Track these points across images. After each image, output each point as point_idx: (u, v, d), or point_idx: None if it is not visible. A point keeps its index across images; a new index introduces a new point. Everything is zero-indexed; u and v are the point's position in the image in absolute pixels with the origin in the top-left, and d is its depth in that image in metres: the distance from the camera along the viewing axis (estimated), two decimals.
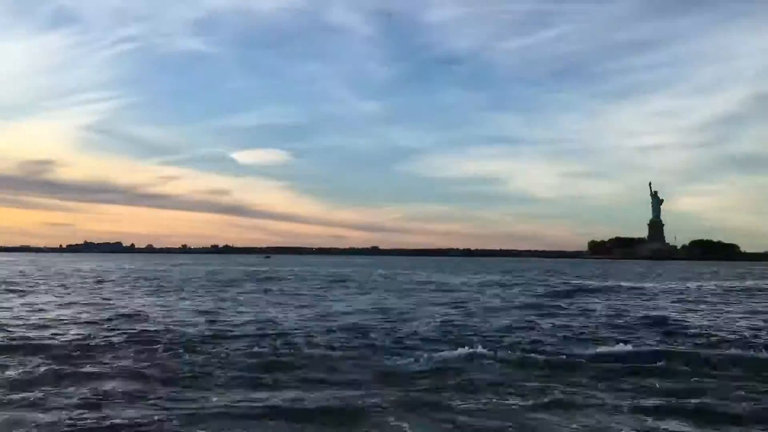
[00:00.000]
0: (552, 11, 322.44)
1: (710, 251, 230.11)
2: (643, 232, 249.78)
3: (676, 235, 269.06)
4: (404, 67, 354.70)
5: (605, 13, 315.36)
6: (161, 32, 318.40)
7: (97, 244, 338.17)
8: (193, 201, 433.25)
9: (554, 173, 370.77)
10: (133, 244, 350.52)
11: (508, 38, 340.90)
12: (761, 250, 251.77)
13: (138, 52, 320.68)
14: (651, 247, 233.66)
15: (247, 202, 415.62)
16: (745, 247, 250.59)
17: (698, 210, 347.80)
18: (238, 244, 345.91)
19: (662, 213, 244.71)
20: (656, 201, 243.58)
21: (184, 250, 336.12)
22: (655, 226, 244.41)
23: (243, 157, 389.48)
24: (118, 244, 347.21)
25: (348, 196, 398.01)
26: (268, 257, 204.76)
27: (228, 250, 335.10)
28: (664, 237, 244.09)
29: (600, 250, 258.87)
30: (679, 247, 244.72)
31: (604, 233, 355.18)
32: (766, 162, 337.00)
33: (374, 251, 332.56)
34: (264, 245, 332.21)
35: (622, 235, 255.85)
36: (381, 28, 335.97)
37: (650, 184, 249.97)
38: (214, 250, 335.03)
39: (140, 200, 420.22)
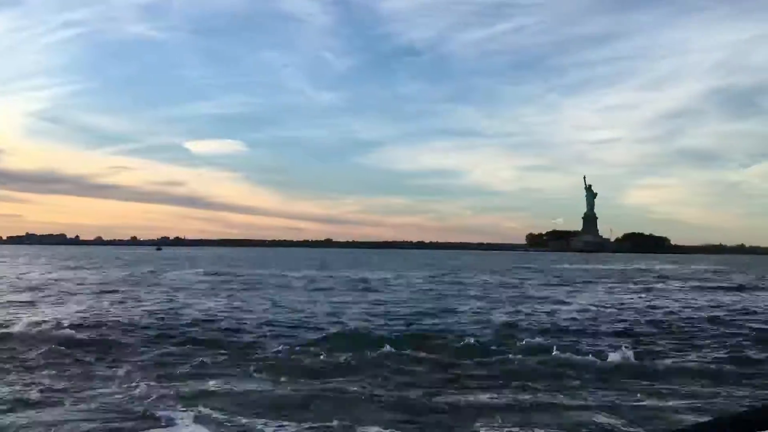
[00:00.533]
0: (511, 3, 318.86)
1: (641, 244, 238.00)
2: (605, 225, 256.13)
3: (612, 228, 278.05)
4: (363, 57, 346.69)
5: (564, 7, 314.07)
6: (108, 16, 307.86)
7: (40, 236, 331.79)
8: (146, 192, 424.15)
9: (512, 166, 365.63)
10: (78, 236, 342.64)
11: (467, 30, 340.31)
12: (701, 243, 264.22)
13: (85, 37, 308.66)
14: (583, 239, 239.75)
15: (202, 193, 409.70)
16: (692, 241, 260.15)
17: (648, 203, 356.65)
18: (190, 236, 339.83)
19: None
20: (590, 195, 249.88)
21: (134, 242, 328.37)
22: (589, 219, 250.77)
23: (197, 147, 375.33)
24: (62, 236, 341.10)
25: (305, 188, 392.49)
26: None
27: (179, 242, 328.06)
28: (597, 230, 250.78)
29: (537, 242, 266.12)
30: (612, 240, 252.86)
31: (562, 226, 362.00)
32: (717, 157, 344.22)
33: (329, 244, 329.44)
34: (216, 237, 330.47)
35: (579, 228, 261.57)
36: (339, 17, 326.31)
37: (585, 177, 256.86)
38: (164, 242, 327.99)
39: (90, 191, 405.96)
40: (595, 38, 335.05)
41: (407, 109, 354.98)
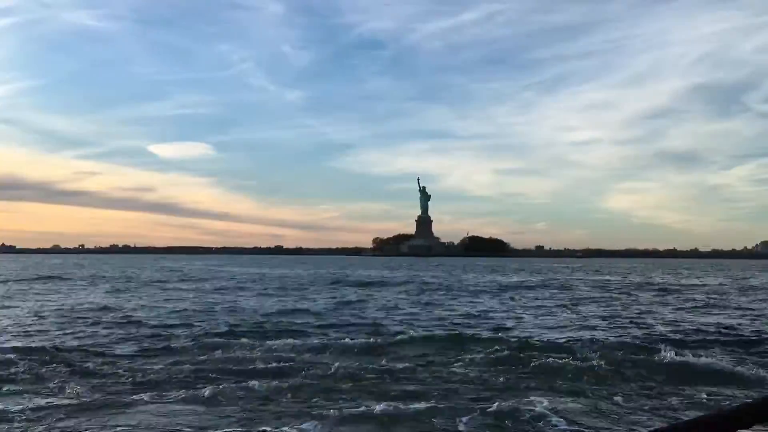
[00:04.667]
0: None
1: (480, 248, 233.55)
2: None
3: (464, 234, 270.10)
4: (322, 50, 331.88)
5: None
6: (41, 3, 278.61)
7: None
8: (116, 198, 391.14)
9: (489, 170, 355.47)
10: (58, 245, 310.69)
11: (431, 19, 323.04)
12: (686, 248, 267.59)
13: (19, 27, 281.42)
14: (409, 244, 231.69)
15: (174, 199, 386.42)
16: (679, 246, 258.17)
17: (628, 207, 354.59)
18: (160, 244, 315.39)
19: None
20: (424, 197, 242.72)
21: (85, 250, 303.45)
22: (423, 221, 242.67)
23: (163, 150, 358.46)
24: (12, 246, 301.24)
25: (280, 194, 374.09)
26: None
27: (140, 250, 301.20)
28: (432, 232, 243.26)
29: (382, 246, 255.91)
30: (456, 243, 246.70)
31: (541, 230, 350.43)
32: (698, 158, 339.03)
33: (308, 252, 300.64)
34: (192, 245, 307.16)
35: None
36: (292, 4, 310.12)
37: (418, 179, 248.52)
38: (119, 249, 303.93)
39: (56, 197, 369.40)
40: (569, 28, 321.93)
41: (376, 109, 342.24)
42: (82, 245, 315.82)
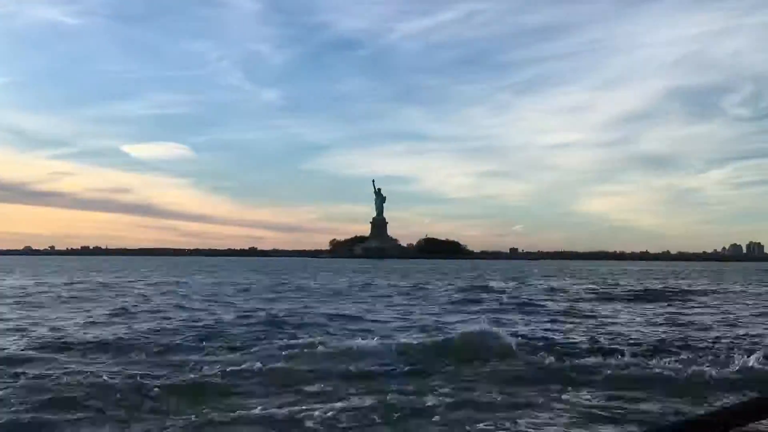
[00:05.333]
0: None
1: (436, 249, 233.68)
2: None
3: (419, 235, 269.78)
4: (299, 50, 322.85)
5: None
6: None
7: None
8: (92, 199, 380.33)
9: (466, 172, 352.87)
10: (29, 246, 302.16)
11: (408, 19, 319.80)
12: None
13: None
14: (363, 246, 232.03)
15: (151, 201, 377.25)
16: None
17: (604, 210, 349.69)
18: (133, 246, 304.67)
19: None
20: (379, 199, 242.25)
21: (56, 251, 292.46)
22: (377, 223, 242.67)
23: (137, 151, 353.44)
24: None
25: (258, 195, 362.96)
26: None
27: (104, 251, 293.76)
28: (387, 234, 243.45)
29: (338, 248, 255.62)
30: (415, 244, 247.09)
31: (519, 232, 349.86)
32: (674, 162, 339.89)
33: (292, 253, 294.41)
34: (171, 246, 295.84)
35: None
36: (268, 2, 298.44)
37: (373, 181, 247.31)
38: (90, 251, 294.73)
39: (31, 198, 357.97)
40: (546, 30, 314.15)
41: (352, 110, 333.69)
42: (53, 246, 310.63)
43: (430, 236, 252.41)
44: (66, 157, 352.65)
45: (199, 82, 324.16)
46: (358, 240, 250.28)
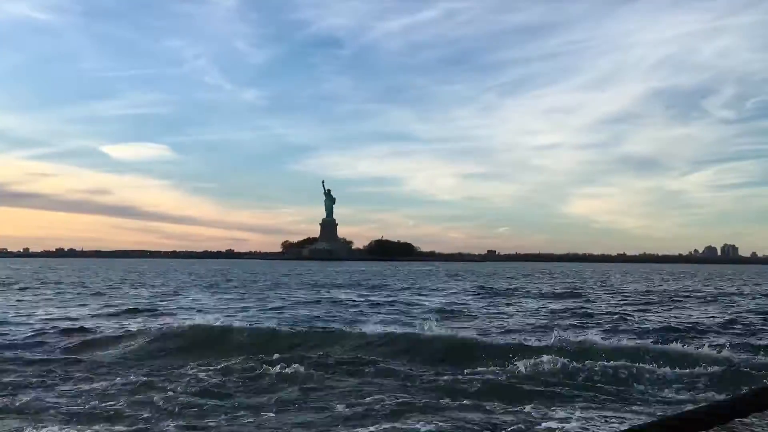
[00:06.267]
0: None
1: (388, 251, 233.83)
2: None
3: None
4: (279, 48, 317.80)
5: None
6: None
7: None
8: (70, 201, 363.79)
9: (452, 174, 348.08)
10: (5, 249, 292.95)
11: (390, 16, 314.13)
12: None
13: None
14: (315, 247, 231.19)
15: (132, 202, 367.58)
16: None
17: (589, 213, 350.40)
18: (109, 248, 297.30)
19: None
20: (329, 200, 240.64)
21: (30, 254, 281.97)
22: (327, 225, 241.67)
23: (117, 151, 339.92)
24: None
25: (241, 197, 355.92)
26: None
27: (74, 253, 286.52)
28: (336, 236, 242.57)
29: (290, 250, 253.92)
30: (366, 246, 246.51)
31: (504, 235, 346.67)
32: (658, 164, 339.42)
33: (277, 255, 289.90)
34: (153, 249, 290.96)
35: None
36: None
37: (323, 182, 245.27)
38: (65, 253, 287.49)
39: (7, 200, 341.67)
40: (531, 29, 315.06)
41: (335, 110, 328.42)
42: (27, 248, 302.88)
43: (380, 238, 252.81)
44: (43, 158, 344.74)
45: (176, 82, 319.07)
46: (309, 242, 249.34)
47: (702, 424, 1.66)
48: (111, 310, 28.81)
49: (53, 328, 21.53)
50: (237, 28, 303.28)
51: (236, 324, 21.45)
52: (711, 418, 1.66)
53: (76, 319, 24.72)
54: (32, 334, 20.27)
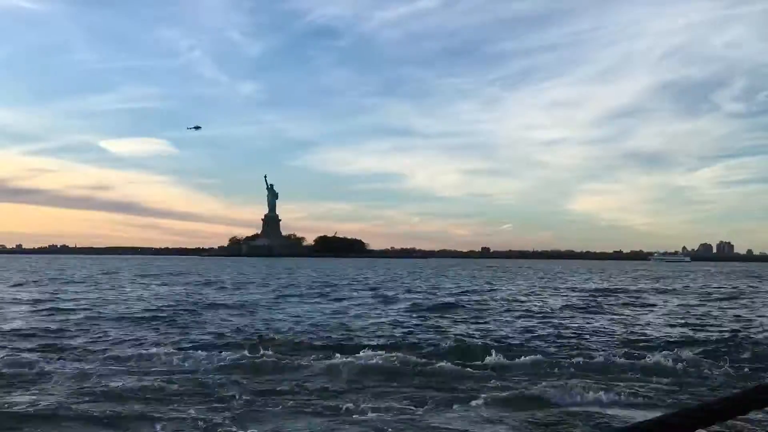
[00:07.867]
0: None
1: (333, 248, 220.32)
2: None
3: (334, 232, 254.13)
4: (274, 39, 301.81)
5: None
6: None
7: None
8: (72, 197, 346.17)
9: (455, 170, 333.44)
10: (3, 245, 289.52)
11: (384, 6, 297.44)
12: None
13: None
14: (255, 243, 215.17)
15: (134, 198, 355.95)
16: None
17: (595, 209, 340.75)
18: (101, 245, 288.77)
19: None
20: (272, 195, 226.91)
21: (22, 250, 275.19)
22: (269, 221, 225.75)
23: (116, 147, 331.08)
24: None
25: (244, 194, 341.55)
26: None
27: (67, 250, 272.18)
28: (280, 232, 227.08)
29: (234, 245, 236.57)
30: (312, 243, 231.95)
31: (510, 232, 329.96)
32: (665, 159, 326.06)
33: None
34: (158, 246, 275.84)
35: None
36: None
37: (266, 176, 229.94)
38: (57, 250, 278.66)
39: (8, 196, 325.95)
40: (533, 18, 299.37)
41: (335, 104, 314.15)
42: (20, 245, 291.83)
43: (332, 234, 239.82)
44: (42, 153, 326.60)
45: (172, 74, 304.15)
46: (254, 238, 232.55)
47: (701, 421, 1.58)
48: None
49: None
50: (230, 18, 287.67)
51: None
52: (710, 416, 1.59)
53: None
54: None
